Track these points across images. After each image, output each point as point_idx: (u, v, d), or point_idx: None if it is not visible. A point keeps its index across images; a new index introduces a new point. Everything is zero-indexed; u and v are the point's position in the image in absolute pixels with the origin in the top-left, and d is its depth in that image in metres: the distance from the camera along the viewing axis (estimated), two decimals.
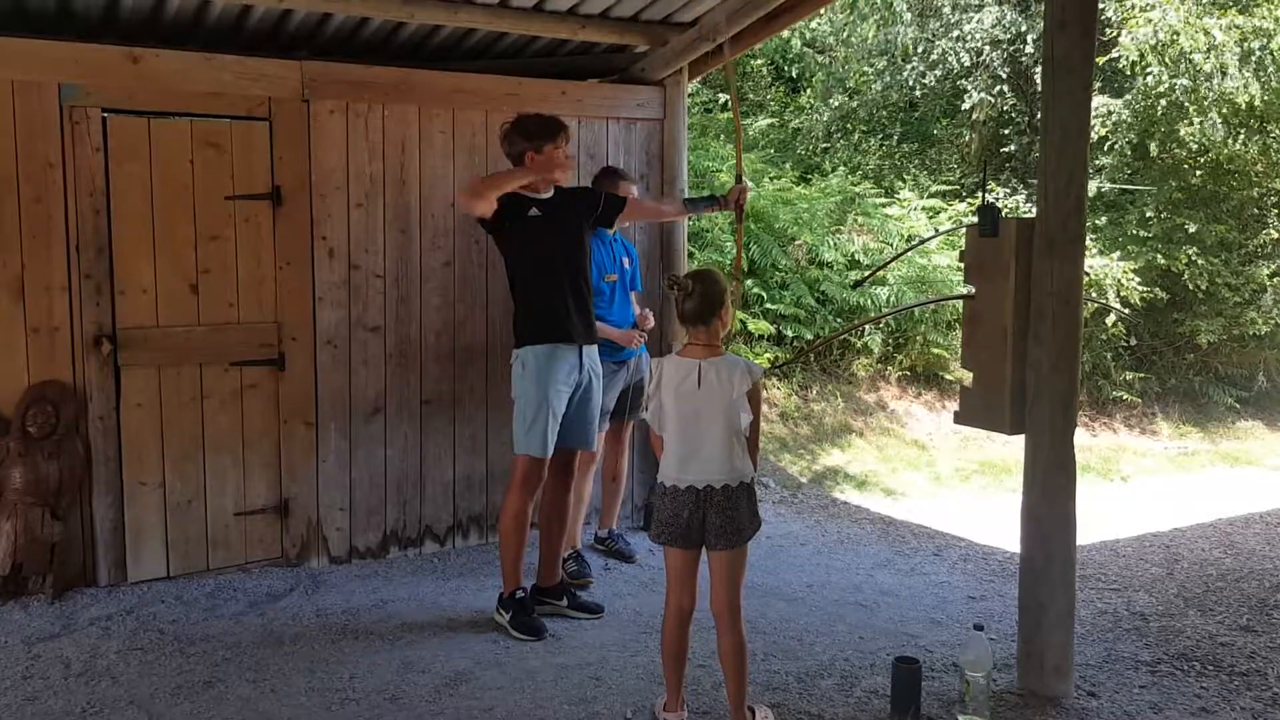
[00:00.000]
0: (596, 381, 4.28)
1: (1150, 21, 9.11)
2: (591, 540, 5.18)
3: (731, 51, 4.92)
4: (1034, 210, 3.73)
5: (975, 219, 3.70)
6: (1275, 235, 9.81)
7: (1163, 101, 9.33)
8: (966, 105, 10.77)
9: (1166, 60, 9.13)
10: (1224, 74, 9.03)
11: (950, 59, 10.72)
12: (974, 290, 3.70)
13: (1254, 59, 9.16)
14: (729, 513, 3.15)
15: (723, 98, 11.23)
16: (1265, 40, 9.17)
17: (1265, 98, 9.22)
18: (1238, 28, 9.15)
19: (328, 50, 4.92)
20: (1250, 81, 9.06)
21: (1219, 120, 9.25)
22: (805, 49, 12.37)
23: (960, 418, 3.81)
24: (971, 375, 3.74)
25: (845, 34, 11.89)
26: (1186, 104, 9.25)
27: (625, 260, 4.89)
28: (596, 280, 4.58)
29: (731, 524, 3.16)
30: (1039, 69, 7.96)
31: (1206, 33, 9.03)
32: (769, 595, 4.60)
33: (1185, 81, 9.15)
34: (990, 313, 3.63)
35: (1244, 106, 9.22)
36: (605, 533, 5.18)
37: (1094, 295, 8.82)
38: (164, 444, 4.53)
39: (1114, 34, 9.73)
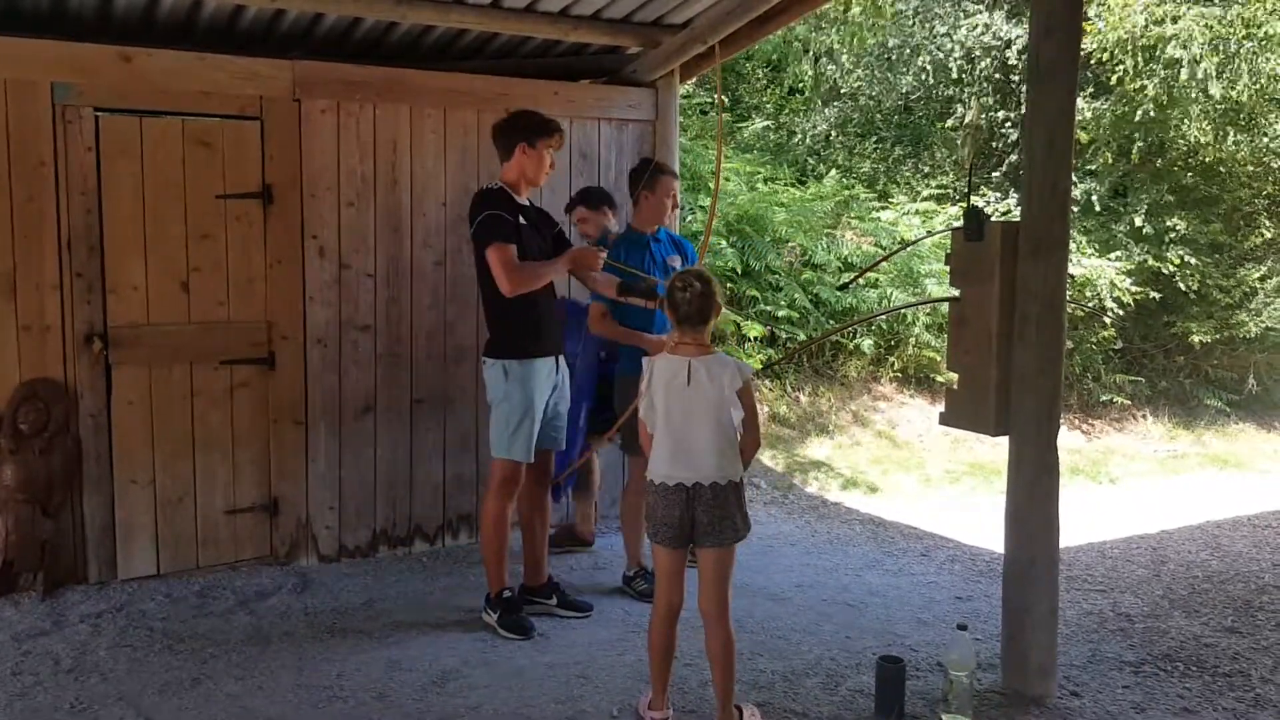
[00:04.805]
0: (566, 383, 4.32)
1: (1113, 12, 9.14)
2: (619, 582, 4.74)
3: (722, 54, 4.88)
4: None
5: (961, 222, 3.73)
6: (1267, 236, 9.86)
7: (1146, 107, 9.35)
8: (954, 121, 10.81)
9: (1139, 57, 9.14)
10: (1197, 64, 9.02)
11: (938, 73, 10.76)
12: (960, 293, 3.73)
13: (1235, 55, 9.17)
14: (717, 511, 3.18)
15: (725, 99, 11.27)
16: (1242, 33, 9.18)
17: (1249, 94, 9.25)
18: (1216, 19, 9.16)
19: (320, 50, 4.93)
20: (1233, 79, 9.08)
21: (1203, 120, 9.27)
22: (802, 51, 12.39)
23: (946, 419, 3.84)
24: (957, 377, 3.77)
25: (841, 38, 11.92)
26: (1164, 102, 9.25)
27: (676, 260, 4.55)
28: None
29: (720, 522, 3.18)
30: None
31: (1175, 19, 9.04)
32: (757, 595, 4.62)
33: (1156, 83, 9.16)
34: (976, 316, 3.65)
35: (1227, 103, 9.23)
36: (633, 571, 4.66)
37: (1086, 294, 8.86)
38: (154, 442, 4.54)
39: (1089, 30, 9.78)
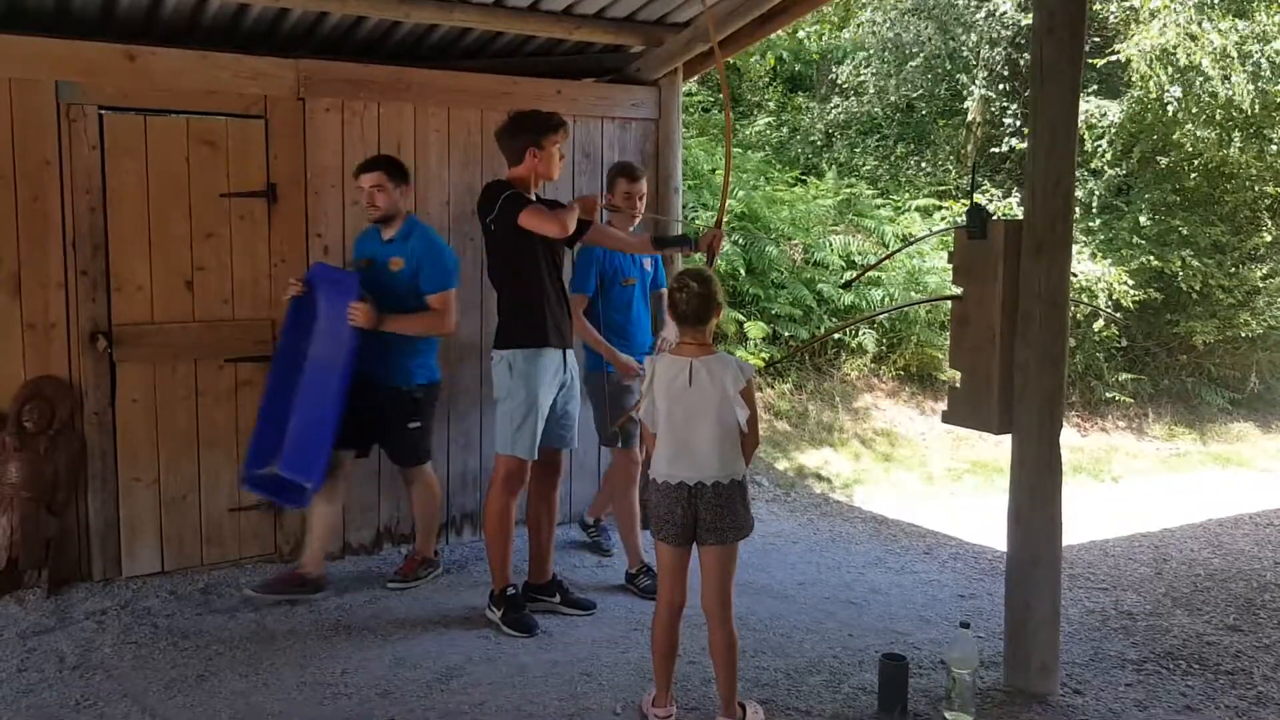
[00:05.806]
0: (576, 382, 4.30)
1: (1155, 33, 9.14)
2: (579, 523, 5.40)
3: (722, 54, 4.85)
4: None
5: (964, 220, 3.73)
6: (1269, 238, 9.86)
7: (1165, 110, 9.35)
8: (967, 104, 10.78)
9: (1168, 70, 9.16)
10: (1227, 79, 9.04)
11: (947, 62, 10.75)
12: (962, 291, 3.73)
13: (1251, 63, 9.19)
14: (720, 509, 3.19)
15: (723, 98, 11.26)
16: (1262, 44, 9.20)
17: (1261, 102, 9.26)
18: (1237, 30, 9.18)
19: (324, 49, 4.94)
20: (1246, 86, 9.08)
21: (1217, 127, 9.27)
22: (803, 49, 12.39)
23: (949, 417, 3.84)
24: (960, 375, 3.78)
25: (846, 35, 11.94)
26: (1181, 113, 9.27)
27: (647, 262, 4.76)
28: (612, 286, 4.57)
29: (723, 520, 3.19)
30: None
31: (1195, 38, 9.05)
32: (760, 593, 4.63)
33: (1177, 91, 9.18)
34: (978, 314, 3.65)
35: (1242, 112, 9.24)
36: (592, 520, 5.30)
37: (1084, 300, 8.86)
38: (159, 440, 4.55)
39: (1112, 34, 9.77)
